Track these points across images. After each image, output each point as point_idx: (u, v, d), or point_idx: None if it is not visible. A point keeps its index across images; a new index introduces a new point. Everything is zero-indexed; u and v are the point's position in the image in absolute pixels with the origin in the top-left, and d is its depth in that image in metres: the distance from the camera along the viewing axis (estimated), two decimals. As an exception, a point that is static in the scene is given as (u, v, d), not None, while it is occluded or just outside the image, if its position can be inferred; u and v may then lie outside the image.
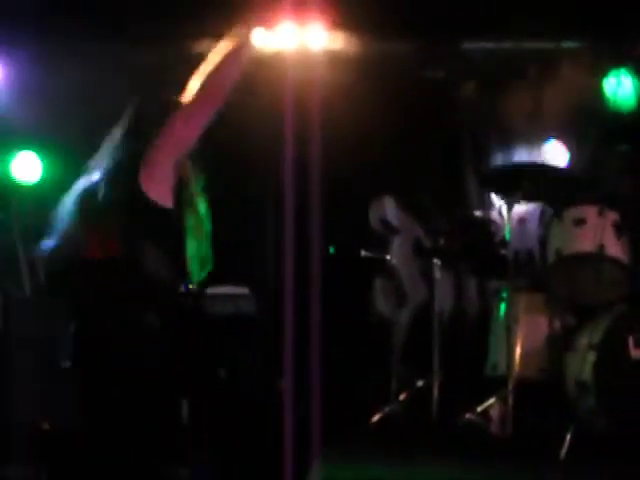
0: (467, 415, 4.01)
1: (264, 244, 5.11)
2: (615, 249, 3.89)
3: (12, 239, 4.90)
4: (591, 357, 3.75)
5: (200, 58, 4.58)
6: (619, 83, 5.34)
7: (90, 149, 4.55)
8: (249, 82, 4.89)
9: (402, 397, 4.31)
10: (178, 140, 2.95)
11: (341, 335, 5.20)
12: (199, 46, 4.95)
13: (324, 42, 5.10)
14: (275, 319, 5.03)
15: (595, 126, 5.37)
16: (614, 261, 3.89)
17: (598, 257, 3.88)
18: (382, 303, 5.33)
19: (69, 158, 4.98)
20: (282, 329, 5.16)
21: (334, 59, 5.06)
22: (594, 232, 3.87)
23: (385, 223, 5.49)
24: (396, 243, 5.43)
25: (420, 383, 4.32)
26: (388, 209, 5.47)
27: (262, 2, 4.95)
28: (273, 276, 5.08)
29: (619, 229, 3.90)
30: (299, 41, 5.05)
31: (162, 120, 2.91)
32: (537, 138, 5.52)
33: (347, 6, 4.93)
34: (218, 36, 4.91)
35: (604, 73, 5.41)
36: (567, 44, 5.46)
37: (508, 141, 5.48)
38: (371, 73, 5.15)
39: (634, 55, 5.41)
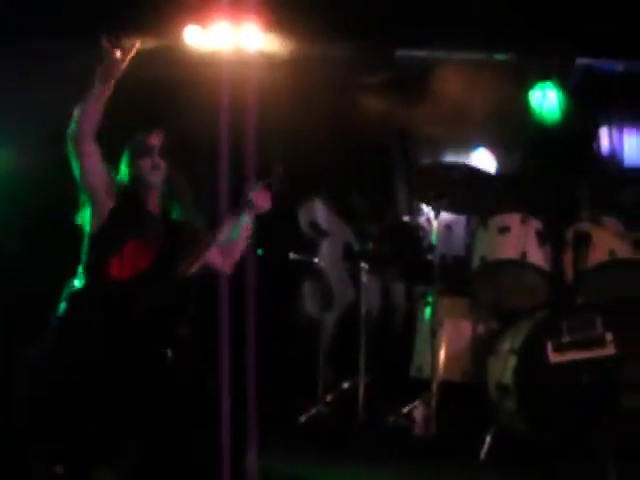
0: (392, 417, 4.06)
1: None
2: (537, 256, 3.99)
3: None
4: (512, 361, 3.84)
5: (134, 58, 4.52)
6: (544, 96, 5.50)
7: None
8: (185, 81, 4.89)
9: (328, 398, 4.33)
10: None
11: (269, 336, 5.21)
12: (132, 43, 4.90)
13: (259, 43, 5.11)
14: (208, 320, 5.02)
15: (521, 136, 5.52)
16: (536, 268, 4.00)
17: (520, 264, 3.99)
18: (310, 305, 5.36)
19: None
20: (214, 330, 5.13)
21: (268, 60, 5.08)
22: (517, 240, 3.97)
23: (314, 226, 5.52)
24: (325, 246, 5.47)
25: (346, 385, 4.35)
26: (318, 212, 5.50)
27: (198, 1, 4.96)
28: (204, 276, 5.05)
29: (541, 237, 4.01)
30: (234, 41, 5.05)
31: None
32: (465, 145, 5.65)
33: (282, 8, 4.95)
34: (153, 34, 4.91)
35: (530, 85, 5.57)
36: (495, 55, 5.60)
37: (438, 148, 5.59)
38: (304, 76, 5.18)
39: (559, 69, 5.58)
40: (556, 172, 4.90)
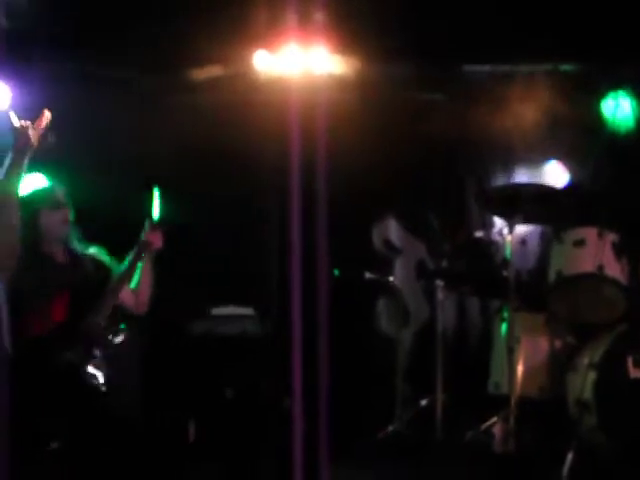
0: (470, 433, 4.05)
1: (269, 266, 5.18)
2: (614, 270, 3.94)
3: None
4: (592, 376, 3.80)
5: (203, 84, 4.68)
6: (617, 105, 5.42)
7: (98, 172, 4.65)
8: (255, 105, 5.01)
9: (406, 416, 4.34)
10: None
11: (345, 355, 5.26)
12: (202, 72, 5.06)
13: (328, 65, 5.19)
14: (280, 339, 5.12)
15: (594, 147, 5.45)
16: (613, 282, 3.95)
17: (598, 277, 3.94)
18: (386, 323, 5.39)
19: (78, 181, 5.07)
20: (287, 349, 5.22)
21: (338, 82, 5.15)
22: (594, 253, 3.93)
23: (388, 244, 5.56)
24: (399, 264, 5.50)
25: (424, 402, 4.36)
26: (391, 230, 5.54)
27: (266, 26, 5.07)
28: (278, 297, 5.14)
29: (618, 250, 3.96)
30: (303, 65, 5.14)
31: None
32: (537, 159, 5.60)
33: (349, 30, 5.03)
34: (222, 61, 5.05)
35: (603, 95, 5.49)
36: (566, 66, 5.55)
37: (509, 163, 5.56)
38: (373, 96, 5.24)
39: (632, 77, 5.49)
40: (631, 182, 4.82)
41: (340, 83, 5.14)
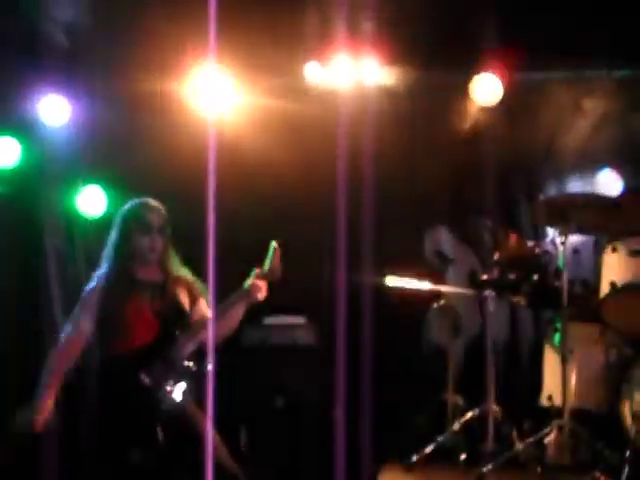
0: (522, 445, 4.02)
1: (320, 275, 5.21)
2: (670, 280, 3.89)
3: (77, 272, 5.08)
4: (648, 389, 3.74)
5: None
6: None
7: (152, 183, 4.74)
8: (306, 118, 5.06)
9: (457, 426, 4.32)
10: None
11: (397, 366, 5.27)
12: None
13: (378, 77, 5.22)
14: (331, 349, 5.14)
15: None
16: (669, 292, 3.89)
17: (653, 288, 3.89)
18: (437, 333, 5.38)
19: (132, 191, 5.17)
20: (335, 358, 5.24)
21: (387, 93, 5.18)
22: (649, 263, 3.88)
23: (440, 254, 5.55)
24: (451, 273, 5.49)
25: (475, 412, 4.33)
26: (443, 240, 5.53)
27: (317, 37, 5.12)
28: (328, 306, 5.17)
29: (675, 260, 3.90)
30: (354, 76, 5.18)
31: None
32: (591, 167, 5.53)
33: (399, 40, 5.05)
34: (274, 72, 5.11)
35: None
36: (619, 72, 5.48)
37: (562, 171, 5.51)
38: (423, 106, 5.25)
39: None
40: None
41: (390, 94, 5.17)
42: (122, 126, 5.05)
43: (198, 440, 3.15)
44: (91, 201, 5.36)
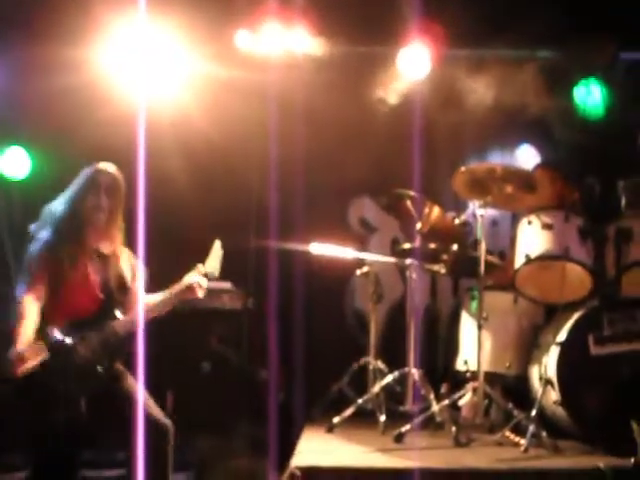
0: (439, 407, 4.19)
1: (247, 241, 5.27)
2: (580, 252, 4.10)
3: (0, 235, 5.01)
4: (555, 354, 3.96)
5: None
6: (589, 92, 5.55)
7: (78, 145, 4.70)
8: (237, 85, 5.07)
9: (377, 389, 4.47)
10: None
11: (320, 330, 5.40)
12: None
13: (308, 46, 5.25)
14: (258, 313, 5.21)
15: (565, 133, 5.58)
16: (579, 263, 4.11)
17: (564, 259, 4.09)
18: (360, 299, 5.53)
19: (58, 153, 5.11)
20: (265, 323, 5.33)
21: (316, 63, 5.22)
22: (560, 236, 4.08)
23: (364, 222, 5.69)
24: (374, 242, 5.64)
25: (395, 376, 4.47)
26: (367, 209, 5.67)
27: (248, 4, 5.12)
28: (255, 272, 5.24)
29: (583, 234, 4.11)
30: (284, 45, 5.20)
31: None
32: (511, 143, 5.72)
33: (329, 11, 5.09)
34: (205, 39, 5.08)
35: (575, 81, 5.61)
36: (539, 53, 5.65)
37: (483, 146, 5.68)
38: (350, 77, 5.31)
39: (603, 64, 5.60)
40: (599, 168, 4.96)
41: (319, 64, 5.22)
42: (46, 89, 4.95)
43: (128, 398, 3.22)
44: (14, 163, 5.28)
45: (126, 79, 4.93)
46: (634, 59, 5.68)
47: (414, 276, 4.52)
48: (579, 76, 5.62)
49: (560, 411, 3.94)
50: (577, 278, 4.17)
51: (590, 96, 5.55)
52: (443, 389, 4.67)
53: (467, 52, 5.51)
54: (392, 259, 4.70)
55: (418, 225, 4.40)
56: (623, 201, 4.07)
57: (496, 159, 5.55)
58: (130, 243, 3.50)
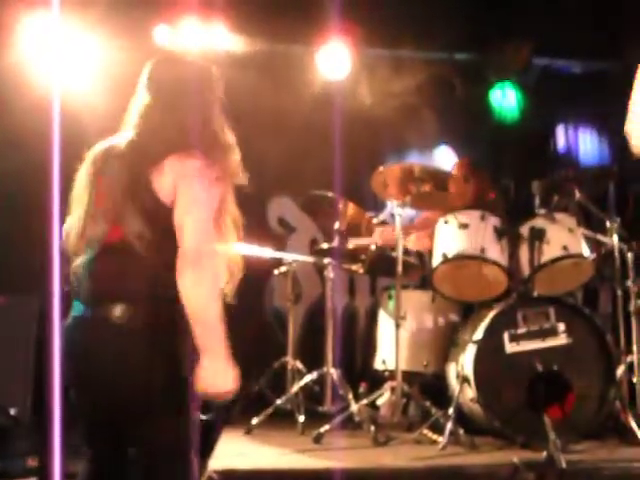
0: (358, 406, 4.19)
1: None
2: (495, 252, 4.15)
3: None
4: (471, 352, 4.00)
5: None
6: (504, 95, 5.67)
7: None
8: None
9: (296, 390, 4.44)
10: None
11: (240, 330, 5.32)
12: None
13: (227, 44, 5.21)
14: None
15: (482, 134, 5.68)
16: (494, 263, 4.17)
17: (480, 259, 4.15)
18: (278, 299, 5.51)
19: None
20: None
21: (236, 60, 5.18)
22: (476, 235, 4.13)
23: (283, 222, 5.66)
24: (292, 241, 5.62)
25: (314, 376, 4.46)
26: (286, 208, 5.64)
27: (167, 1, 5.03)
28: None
29: (499, 233, 4.18)
30: (203, 41, 5.14)
31: None
32: (429, 143, 5.79)
33: (249, 8, 5.05)
34: (124, 34, 4.97)
35: (491, 84, 5.73)
36: (457, 55, 5.75)
37: (402, 146, 5.73)
38: (269, 75, 5.28)
39: (518, 69, 5.74)
40: (514, 169, 5.07)
41: (238, 61, 5.18)
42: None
43: None
44: None
45: (41, 70, 4.78)
46: (548, 65, 5.84)
47: (332, 275, 4.52)
48: (495, 80, 5.75)
49: (477, 408, 3.98)
50: (493, 277, 4.24)
51: (505, 99, 5.67)
52: (361, 388, 4.68)
53: (387, 53, 5.56)
54: (310, 258, 4.69)
55: (336, 225, 4.40)
56: (537, 201, 4.14)
57: (415, 159, 5.60)
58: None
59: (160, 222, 2.16)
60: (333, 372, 4.37)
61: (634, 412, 3.98)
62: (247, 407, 4.61)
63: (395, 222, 4.21)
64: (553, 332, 3.96)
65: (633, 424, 3.89)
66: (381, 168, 4.30)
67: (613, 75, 5.48)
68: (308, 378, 4.44)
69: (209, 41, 5.18)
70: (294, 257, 4.77)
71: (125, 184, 2.20)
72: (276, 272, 4.81)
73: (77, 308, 2.24)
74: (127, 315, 2.14)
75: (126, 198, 2.18)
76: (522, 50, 5.65)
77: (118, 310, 2.14)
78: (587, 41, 5.34)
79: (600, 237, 4.21)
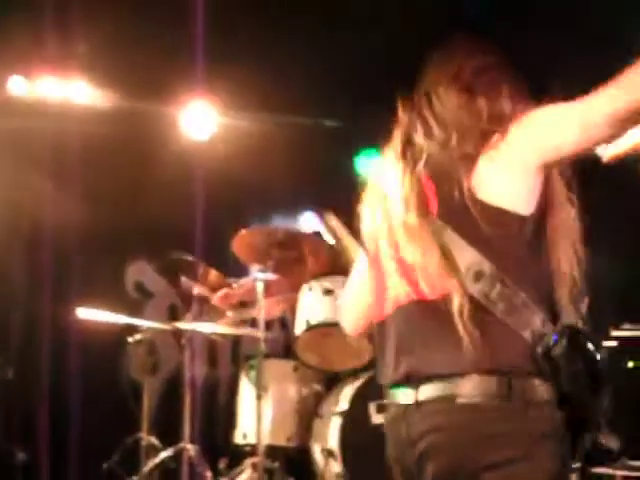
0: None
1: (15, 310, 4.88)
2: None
3: None
4: (337, 423, 3.85)
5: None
6: (370, 162, 5.69)
7: None
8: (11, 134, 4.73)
9: (150, 468, 4.15)
10: None
11: (95, 403, 4.98)
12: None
13: (86, 97, 5.03)
14: (21, 385, 4.75)
15: (348, 201, 5.65)
16: (360, 330, 4.04)
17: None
18: (134, 368, 5.17)
19: None
20: (30, 396, 4.87)
21: (96, 115, 4.98)
22: (342, 302, 4.02)
23: (140, 287, 5.38)
24: (150, 307, 5.34)
25: (169, 453, 4.19)
26: (143, 273, 5.38)
27: (24, 51, 4.80)
28: (22, 340, 4.84)
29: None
30: (62, 93, 4.95)
31: None
32: (294, 209, 5.72)
33: (109, 64, 4.90)
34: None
35: (357, 151, 5.75)
36: (325, 122, 5.76)
37: (267, 211, 5.62)
38: (131, 133, 5.10)
39: (384, 137, 5.80)
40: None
41: (98, 116, 4.99)
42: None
43: None
44: None
45: None
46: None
47: (190, 344, 4.30)
48: (362, 147, 5.78)
49: (342, 484, 3.81)
50: (358, 345, 4.12)
51: (371, 167, 5.68)
52: (221, 465, 4.42)
53: (253, 116, 5.50)
54: (167, 326, 4.44)
55: (195, 290, 4.21)
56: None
57: (279, 224, 5.49)
58: None
59: None
60: (190, 448, 4.12)
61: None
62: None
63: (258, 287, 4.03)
64: (418, 401, 3.86)
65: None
66: (243, 231, 4.14)
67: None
68: (163, 455, 4.15)
69: (68, 94, 4.98)
70: (150, 324, 4.50)
71: None
72: (131, 340, 4.51)
73: None
74: None
75: None
76: (389, 119, 5.72)
77: None
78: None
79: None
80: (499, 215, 1.67)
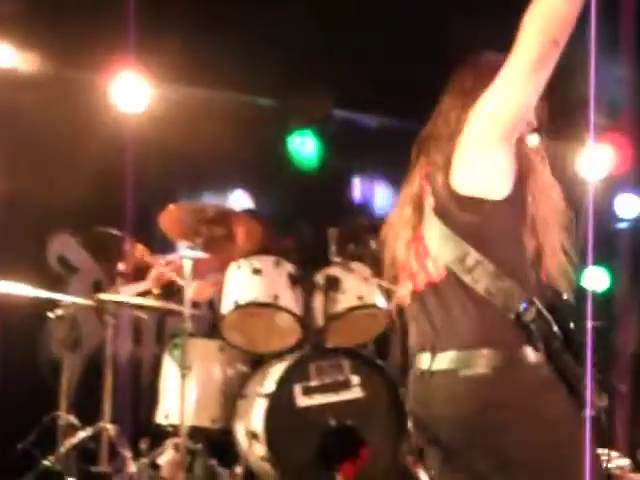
0: (136, 464, 3.85)
1: None
2: (289, 299, 3.99)
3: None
4: (261, 406, 3.79)
5: None
6: (303, 143, 5.65)
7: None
8: None
9: (67, 448, 4.02)
10: None
11: (13, 381, 4.81)
12: None
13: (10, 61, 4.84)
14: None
15: (279, 181, 5.60)
16: (287, 311, 4.00)
17: (272, 306, 3.97)
18: (54, 345, 5.01)
19: None
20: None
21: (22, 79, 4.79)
22: (270, 282, 3.96)
23: (63, 261, 5.21)
24: (75, 283, 5.17)
25: (88, 432, 4.07)
26: (67, 247, 5.20)
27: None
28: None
29: (293, 280, 4.02)
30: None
31: None
32: (224, 186, 5.63)
33: (35, 27, 4.72)
34: None
35: (291, 131, 5.69)
36: (259, 99, 5.68)
37: (197, 187, 5.52)
38: (60, 101, 4.93)
39: (319, 118, 5.76)
40: (310, 217, 5.00)
41: (25, 82, 4.81)
42: None
43: None
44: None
45: None
46: (347, 117, 5.91)
47: (114, 321, 4.18)
48: (295, 127, 5.72)
49: (267, 466, 3.76)
50: (286, 326, 4.08)
51: (304, 147, 5.65)
52: (143, 445, 4.32)
53: (188, 91, 5.39)
54: (90, 302, 4.30)
55: (120, 266, 4.09)
56: (332, 249, 4.05)
57: (209, 201, 5.39)
58: None
59: None
60: (110, 427, 4.01)
61: (425, 465, 3.92)
62: (10, 468, 4.14)
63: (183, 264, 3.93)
64: (347, 385, 3.83)
65: (424, 478, 3.82)
66: (172, 206, 4.04)
67: (408, 132, 5.60)
68: (82, 434, 4.03)
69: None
70: (72, 299, 4.35)
71: None
72: (51, 315, 4.35)
73: None
74: None
75: None
76: (324, 100, 5.68)
77: None
78: (384, 98, 5.45)
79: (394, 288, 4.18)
80: (473, 204, 1.90)
